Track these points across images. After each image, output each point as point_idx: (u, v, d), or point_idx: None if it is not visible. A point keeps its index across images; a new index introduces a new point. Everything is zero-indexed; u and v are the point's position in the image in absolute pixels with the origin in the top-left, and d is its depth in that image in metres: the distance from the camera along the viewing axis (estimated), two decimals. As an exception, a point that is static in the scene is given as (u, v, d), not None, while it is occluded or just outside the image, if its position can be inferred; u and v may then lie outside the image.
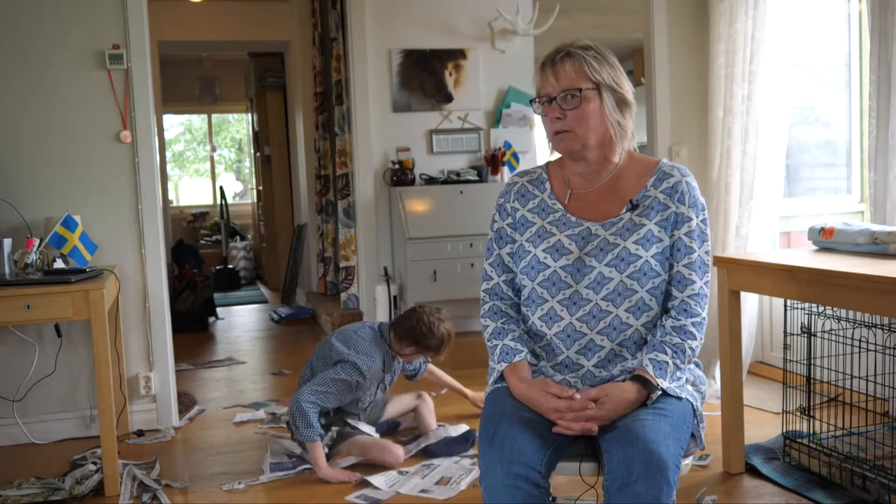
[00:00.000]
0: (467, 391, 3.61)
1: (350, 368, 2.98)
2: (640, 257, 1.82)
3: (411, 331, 3.07)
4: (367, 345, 3.06)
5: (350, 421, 3.13)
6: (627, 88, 1.87)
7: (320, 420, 2.98)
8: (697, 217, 1.86)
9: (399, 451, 3.02)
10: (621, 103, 1.85)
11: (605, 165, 1.91)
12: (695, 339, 1.83)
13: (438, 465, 2.99)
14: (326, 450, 3.00)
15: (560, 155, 1.99)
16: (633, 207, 1.86)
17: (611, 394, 1.74)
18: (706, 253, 1.87)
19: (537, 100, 1.88)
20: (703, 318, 1.85)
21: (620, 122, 1.86)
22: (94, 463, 3.06)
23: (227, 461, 3.16)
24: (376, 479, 2.84)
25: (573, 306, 1.83)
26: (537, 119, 2.02)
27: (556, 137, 1.87)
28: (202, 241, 10.31)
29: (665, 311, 1.86)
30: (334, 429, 3.06)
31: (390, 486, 2.80)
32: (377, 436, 3.17)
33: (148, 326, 3.62)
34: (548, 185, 1.97)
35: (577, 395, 1.75)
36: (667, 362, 1.79)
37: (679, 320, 1.83)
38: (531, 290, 1.88)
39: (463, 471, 2.93)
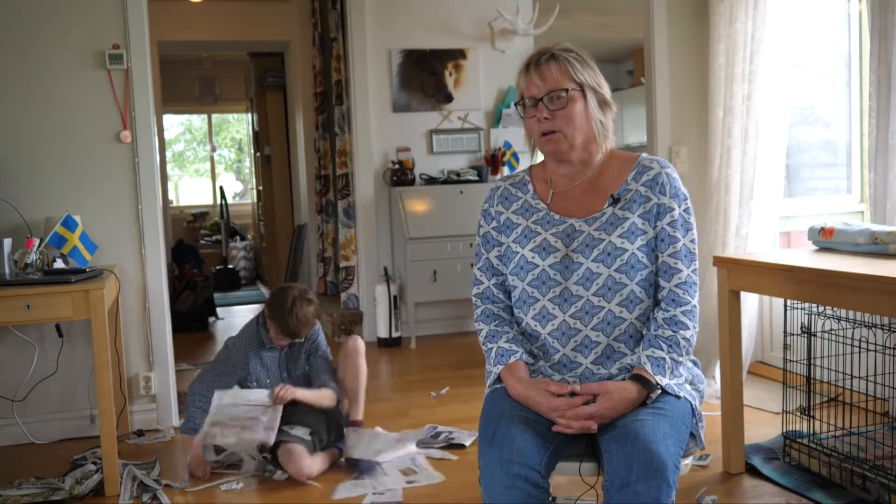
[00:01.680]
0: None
1: (221, 350, 3.12)
2: (627, 250, 1.82)
3: (270, 301, 3.08)
4: (249, 324, 3.15)
5: (284, 427, 2.96)
6: (606, 89, 1.92)
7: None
8: (679, 207, 1.87)
9: (301, 464, 2.87)
10: (602, 104, 1.90)
11: (588, 165, 1.93)
12: (687, 328, 1.83)
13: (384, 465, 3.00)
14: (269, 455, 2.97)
15: (542, 158, 2.02)
16: (615, 202, 1.88)
17: (612, 391, 1.74)
18: (692, 241, 1.88)
19: (521, 102, 1.90)
20: (694, 306, 1.86)
21: (603, 121, 1.90)
22: (95, 463, 3.06)
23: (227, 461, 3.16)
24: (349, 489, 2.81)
25: (564, 303, 1.83)
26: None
27: (543, 139, 1.88)
28: (202, 241, 10.31)
29: (655, 302, 1.87)
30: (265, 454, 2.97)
31: (374, 492, 2.78)
32: (308, 439, 2.98)
33: (148, 326, 3.62)
34: (530, 186, 1.98)
35: (577, 388, 1.76)
36: (663, 358, 1.79)
37: (669, 311, 1.83)
38: (522, 290, 1.89)
39: (407, 457, 3.05)
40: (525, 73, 1.90)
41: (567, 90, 1.84)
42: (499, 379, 1.88)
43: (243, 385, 3.04)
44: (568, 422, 1.72)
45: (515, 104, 1.94)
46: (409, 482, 2.85)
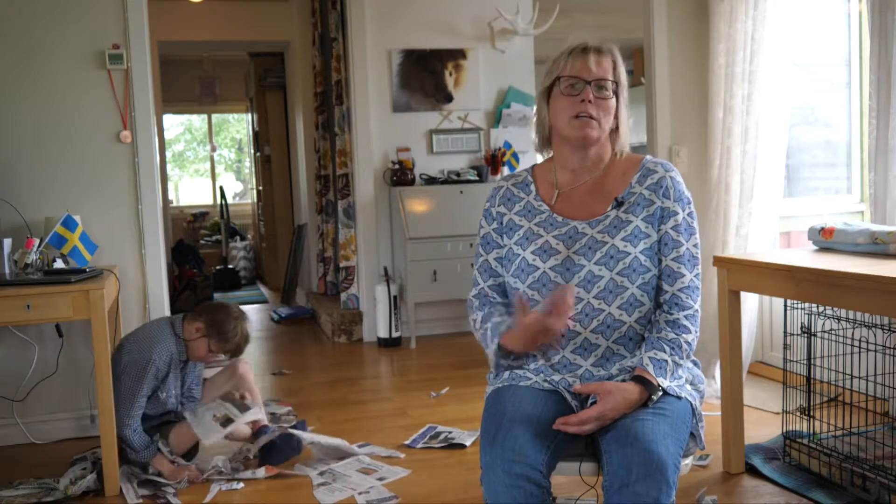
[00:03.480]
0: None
1: (139, 370, 2.93)
2: (629, 254, 1.82)
3: (207, 311, 3.06)
4: (156, 333, 3.02)
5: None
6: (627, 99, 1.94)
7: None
8: (683, 211, 1.87)
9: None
10: (625, 109, 1.92)
11: (598, 164, 1.94)
12: (689, 332, 1.84)
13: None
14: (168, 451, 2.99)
15: (544, 158, 2.01)
16: (619, 205, 1.88)
17: (613, 392, 1.73)
18: (695, 246, 1.88)
19: (566, 77, 1.86)
20: (696, 311, 1.86)
21: (625, 127, 1.93)
22: (94, 463, 3.06)
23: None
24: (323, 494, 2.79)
25: None
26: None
27: (577, 120, 1.86)
28: (202, 241, 10.31)
29: (658, 306, 1.87)
30: (155, 437, 2.99)
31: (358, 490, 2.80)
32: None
33: (148, 326, 3.62)
34: (533, 187, 1.98)
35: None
36: (666, 360, 1.79)
37: (672, 314, 1.83)
38: (522, 292, 1.88)
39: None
40: (581, 54, 1.86)
41: (615, 84, 1.87)
42: (503, 358, 1.86)
43: (153, 394, 3.01)
44: (580, 426, 1.72)
45: (557, 78, 1.88)
46: (378, 479, 2.88)
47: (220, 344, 3.05)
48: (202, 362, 3.19)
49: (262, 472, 2.95)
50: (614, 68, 1.88)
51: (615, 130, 1.91)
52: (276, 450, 3.04)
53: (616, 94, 1.88)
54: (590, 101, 1.84)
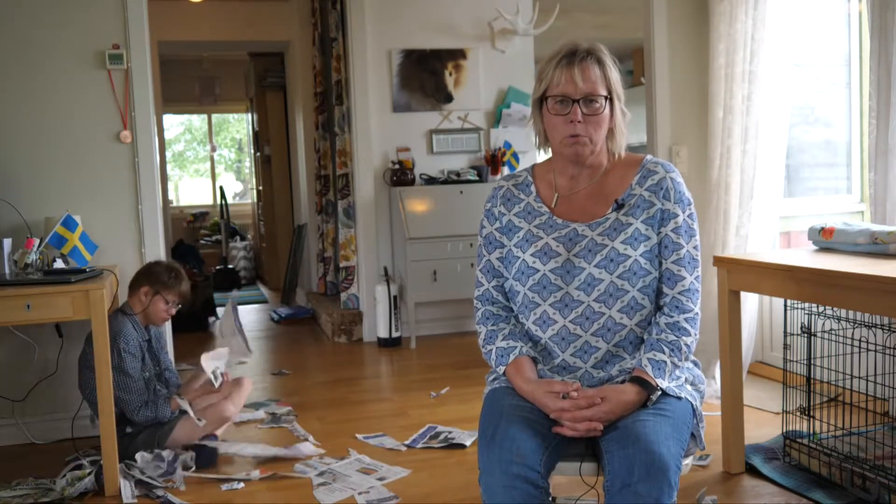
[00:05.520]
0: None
1: (124, 359, 3.08)
2: (629, 257, 1.82)
3: (141, 276, 3.25)
4: (114, 327, 3.10)
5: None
6: (623, 96, 1.89)
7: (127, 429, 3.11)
8: (684, 213, 1.86)
9: (230, 406, 3.26)
10: (622, 112, 1.88)
11: (597, 170, 1.92)
12: (689, 334, 1.83)
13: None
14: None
15: (545, 157, 2.00)
16: (619, 207, 1.86)
17: (609, 396, 1.74)
18: (695, 248, 1.87)
19: (553, 97, 1.83)
20: (697, 314, 1.86)
21: (622, 129, 1.89)
22: (92, 463, 3.05)
23: (227, 461, 3.16)
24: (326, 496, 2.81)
25: (565, 308, 1.83)
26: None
27: (569, 140, 1.83)
28: (202, 241, 10.31)
29: (658, 308, 1.87)
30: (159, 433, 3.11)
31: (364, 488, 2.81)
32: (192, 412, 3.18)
33: (148, 326, 3.62)
34: (533, 188, 1.96)
35: (575, 394, 1.75)
36: (665, 361, 1.79)
37: (672, 317, 1.83)
38: (523, 295, 1.88)
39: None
40: (566, 67, 1.81)
41: (604, 97, 1.82)
42: (504, 375, 1.89)
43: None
44: (573, 425, 1.72)
45: (543, 97, 1.85)
46: (378, 479, 2.88)
47: (171, 292, 3.22)
48: (163, 324, 3.36)
49: (256, 474, 2.95)
50: (604, 74, 1.82)
51: (611, 130, 1.88)
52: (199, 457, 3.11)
53: (610, 98, 1.83)
54: (579, 122, 1.81)
